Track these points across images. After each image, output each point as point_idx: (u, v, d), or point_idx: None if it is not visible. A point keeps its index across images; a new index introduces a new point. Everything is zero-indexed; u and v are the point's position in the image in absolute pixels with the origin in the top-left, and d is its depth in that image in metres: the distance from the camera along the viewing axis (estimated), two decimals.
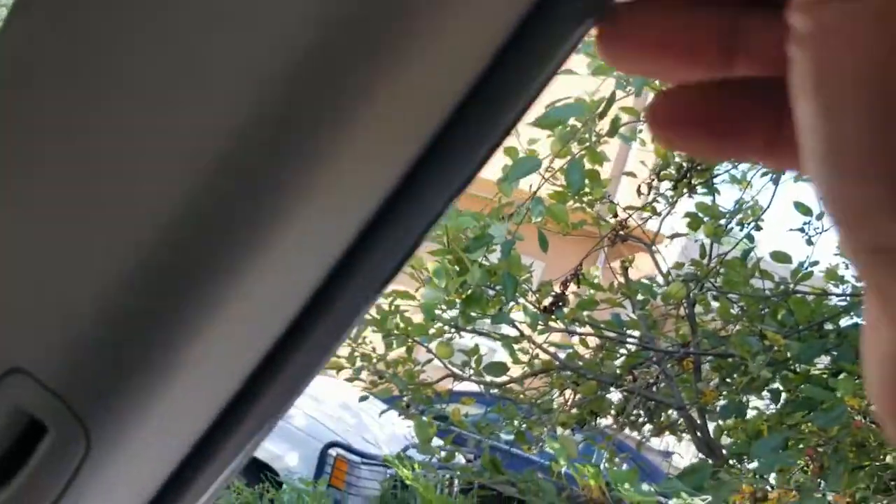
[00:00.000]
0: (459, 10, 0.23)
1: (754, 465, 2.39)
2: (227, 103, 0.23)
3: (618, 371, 2.79)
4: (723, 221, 2.94)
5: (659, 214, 2.92)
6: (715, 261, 2.90)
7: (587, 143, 2.28)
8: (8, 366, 0.26)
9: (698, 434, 2.70)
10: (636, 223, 2.89)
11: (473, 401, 3.01)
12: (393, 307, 2.70)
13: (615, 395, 2.91)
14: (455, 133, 0.25)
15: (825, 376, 2.39)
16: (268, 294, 0.27)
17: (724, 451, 2.60)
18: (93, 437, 0.26)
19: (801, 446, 2.28)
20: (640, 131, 2.68)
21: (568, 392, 2.98)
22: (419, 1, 0.22)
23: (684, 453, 3.53)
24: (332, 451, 3.95)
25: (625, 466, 2.89)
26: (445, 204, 0.27)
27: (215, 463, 0.30)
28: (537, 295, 2.68)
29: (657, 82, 2.03)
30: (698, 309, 2.91)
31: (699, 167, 2.73)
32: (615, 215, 2.84)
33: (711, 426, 2.69)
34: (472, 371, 2.80)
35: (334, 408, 4.31)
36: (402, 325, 2.67)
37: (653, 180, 2.80)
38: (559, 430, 2.90)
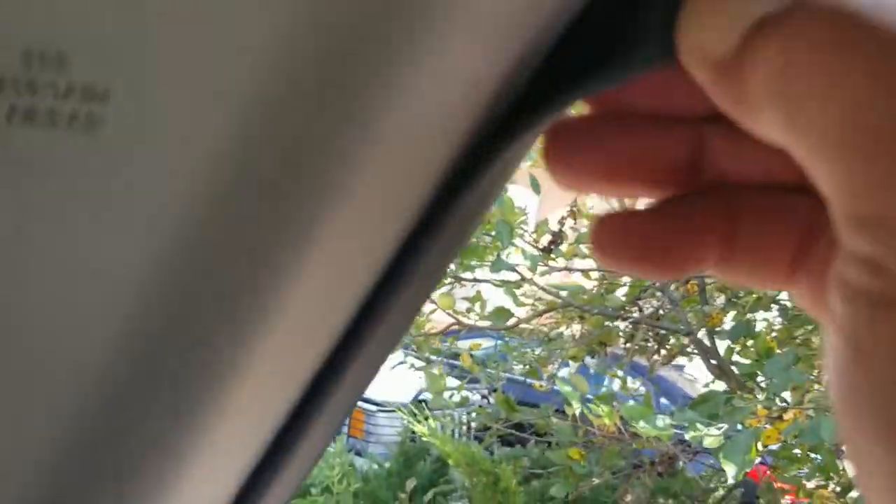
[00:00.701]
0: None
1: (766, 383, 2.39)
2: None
3: (622, 302, 2.77)
4: None
5: None
6: None
7: None
8: None
9: (710, 359, 2.69)
10: None
11: (481, 345, 3.02)
12: None
13: (623, 324, 2.90)
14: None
15: None
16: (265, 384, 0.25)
17: (736, 373, 2.59)
18: None
19: (812, 362, 2.28)
20: None
21: (576, 326, 2.97)
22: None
23: (698, 375, 3.56)
24: None
25: (641, 388, 2.91)
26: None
27: None
28: (534, 235, 2.64)
29: None
30: None
31: None
32: None
33: (722, 348, 2.68)
34: (477, 317, 2.78)
35: None
36: None
37: None
38: (570, 364, 2.91)
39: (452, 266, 2.50)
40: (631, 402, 2.40)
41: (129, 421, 0.24)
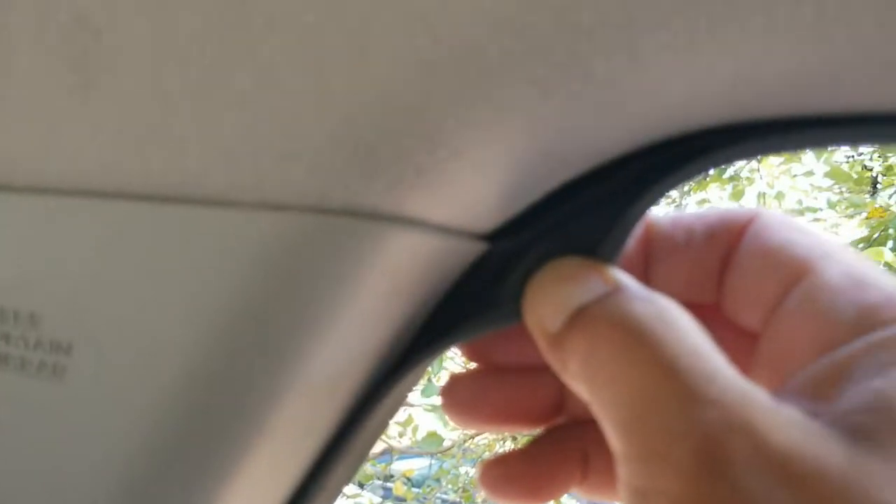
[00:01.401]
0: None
1: None
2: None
3: None
4: None
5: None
6: None
7: None
8: None
9: None
10: None
11: (413, 471, 2.99)
12: None
13: None
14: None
15: None
16: None
17: None
18: None
19: None
20: None
21: (509, 443, 2.98)
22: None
23: None
24: None
25: None
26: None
27: None
28: (465, 360, 2.67)
29: None
30: None
31: None
32: None
33: None
34: (409, 441, 2.78)
35: None
36: None
37: None
38: None
39: None
40: None
41: None
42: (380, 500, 2.93)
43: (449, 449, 2.83)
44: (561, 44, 0.20)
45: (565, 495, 0.28)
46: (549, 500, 0.28)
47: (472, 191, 0.24)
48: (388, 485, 2.96)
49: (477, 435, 2.88)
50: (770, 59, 0.20)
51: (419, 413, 2.82)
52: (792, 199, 3.23)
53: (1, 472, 0.27)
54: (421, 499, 2.91)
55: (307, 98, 0.22)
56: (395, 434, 2.79)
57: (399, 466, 2.96)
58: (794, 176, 3.24)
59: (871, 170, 2.91)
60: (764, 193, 3.15)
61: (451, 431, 2.79)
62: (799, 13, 0.18)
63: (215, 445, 0.26)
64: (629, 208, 0.24)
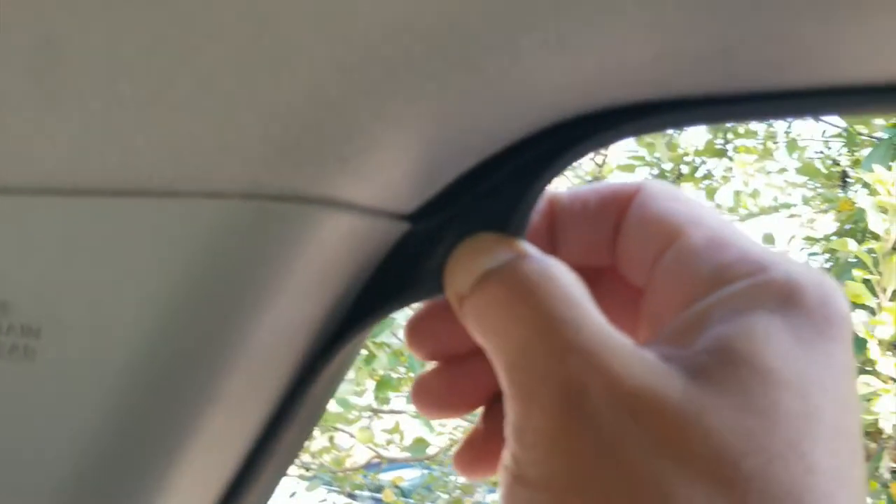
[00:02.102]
0: None
1: None
2: None
3: None
4: None
5: None
6: None
7: None
8: None
9: None
10: None
11: (403, 479, 3.01)
12: None
13: None
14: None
15: None
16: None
17: None
18: None
19: None
20: None
21: None
22: None
23: None
24: None
25: None
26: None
27: None
28: None
29: None
30: None
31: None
32: None
33: None
34: (398, 448, 2.80)
35: None
36: None
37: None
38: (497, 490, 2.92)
39: (372, 401, 2.54)
40: None
41: None
42: None
43: (435, 455, 2.86)
44: (453, 45, 0.23)
45: None
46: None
47: (390, 175, 0.27)
48: (378, 495, 2.98)
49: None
50: (632, 51, 0.23)
51: (406, 420, 2.85)
52: (768, 196, 3.29)
53: None
54: None
55: (239, 99, 0.25)
56: (382, 442, 2.81)
57: (388, 477, 2.98)
58: (769, 173, 3.29)
59: (839, 164, 2.97)
60: (739, 192, 3.20)
61: (437, 437, 2.82)
62: (649, 14, 0.22)
63: (170, 416, 0.29)
64: (530, 187, 0.27)
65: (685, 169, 2.99)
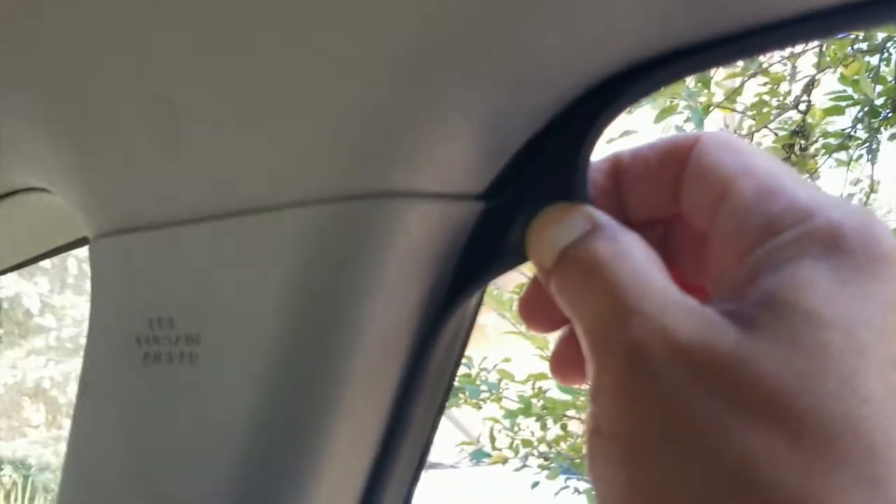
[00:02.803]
0: None
1: None
2: None
3: None
4: None
5: None
6: None
7: None
8: None
9: None
10: None
11: None
12: (536, 389, 2.73)
13: None
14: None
15: None
16: None
17: None
18: None
19: None
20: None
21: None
22: None
23: None
24: None
25: None
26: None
27: None
28: None
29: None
30: None
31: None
32: None
33: None
34: None
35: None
36: (548, 406, 2.69)
37: None
38: None
39: None
40: None
41: None
42: None
43: None
44: (494, 21, 0.26)
45: None
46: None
47: (456, 159, 0.30)
48: None
49: None
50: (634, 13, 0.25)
51: None
52: None
53: (149, 446, 0.37)
54: None
55: (311, 120, 0.30)
56: None
57: None
58: None
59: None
60: None
61: None
62: None
63: (313, 398, 0.34)
64: (580, 150, 0.29)
65: None
